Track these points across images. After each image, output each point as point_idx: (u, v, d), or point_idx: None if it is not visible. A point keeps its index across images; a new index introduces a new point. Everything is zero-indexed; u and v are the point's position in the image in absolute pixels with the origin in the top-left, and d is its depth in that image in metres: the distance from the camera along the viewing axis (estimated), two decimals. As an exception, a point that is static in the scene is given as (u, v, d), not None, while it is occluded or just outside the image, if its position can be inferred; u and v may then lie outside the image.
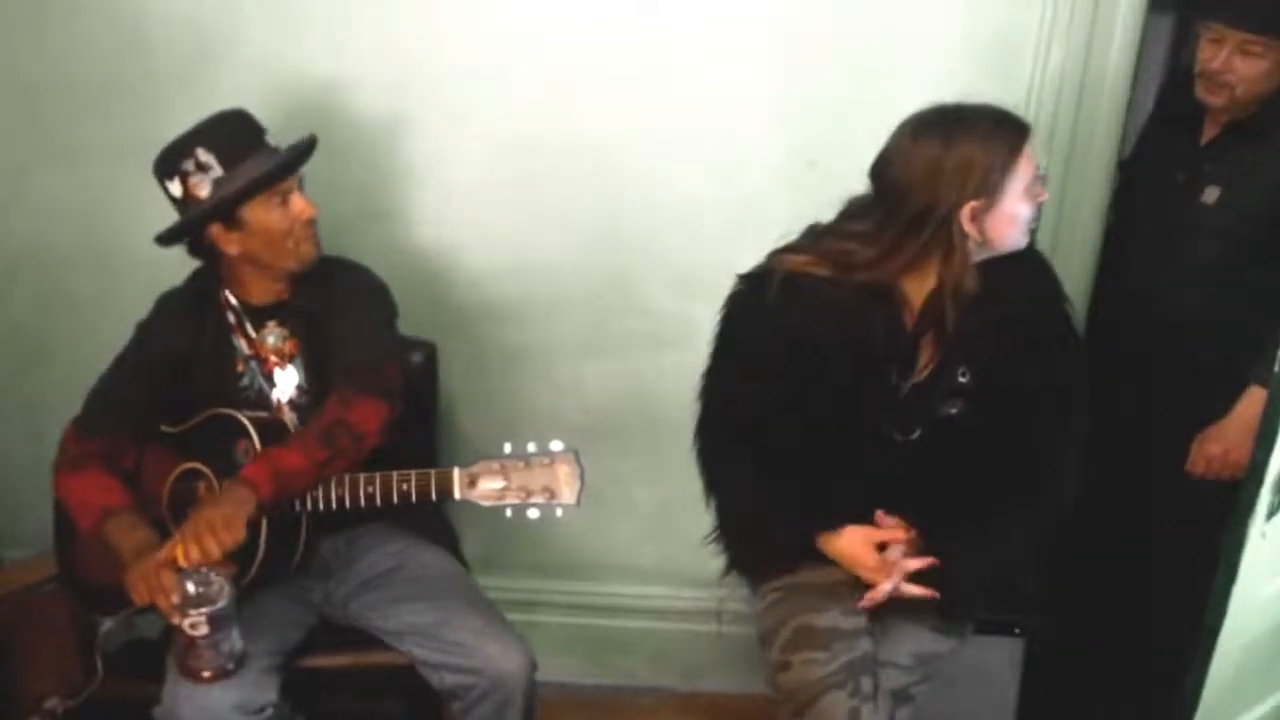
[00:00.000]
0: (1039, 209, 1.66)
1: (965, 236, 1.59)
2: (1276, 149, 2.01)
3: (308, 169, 1.85)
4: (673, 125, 2.15)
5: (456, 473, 1.76)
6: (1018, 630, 2.18)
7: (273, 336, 1.90)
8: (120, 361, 1.91)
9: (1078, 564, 2.24)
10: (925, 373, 1.71)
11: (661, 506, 2.41)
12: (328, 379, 1.86)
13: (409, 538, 1.97)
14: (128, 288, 2.05)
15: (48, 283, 2.36)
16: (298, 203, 1.81)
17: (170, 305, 1.93)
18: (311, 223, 1.84)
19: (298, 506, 1.78)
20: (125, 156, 2.08)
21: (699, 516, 1.86)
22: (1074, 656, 2.37)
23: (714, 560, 1.89)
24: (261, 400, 1.88)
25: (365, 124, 2.17)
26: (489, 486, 1.76)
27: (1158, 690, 1.87)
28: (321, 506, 1.78)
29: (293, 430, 1.85)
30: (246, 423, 1.81)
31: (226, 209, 1.77)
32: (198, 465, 1.85)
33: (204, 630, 1.61)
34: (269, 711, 1.73)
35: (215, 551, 1.63)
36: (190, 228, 1.81)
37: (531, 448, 1.78)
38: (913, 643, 1.76)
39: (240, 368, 1.89)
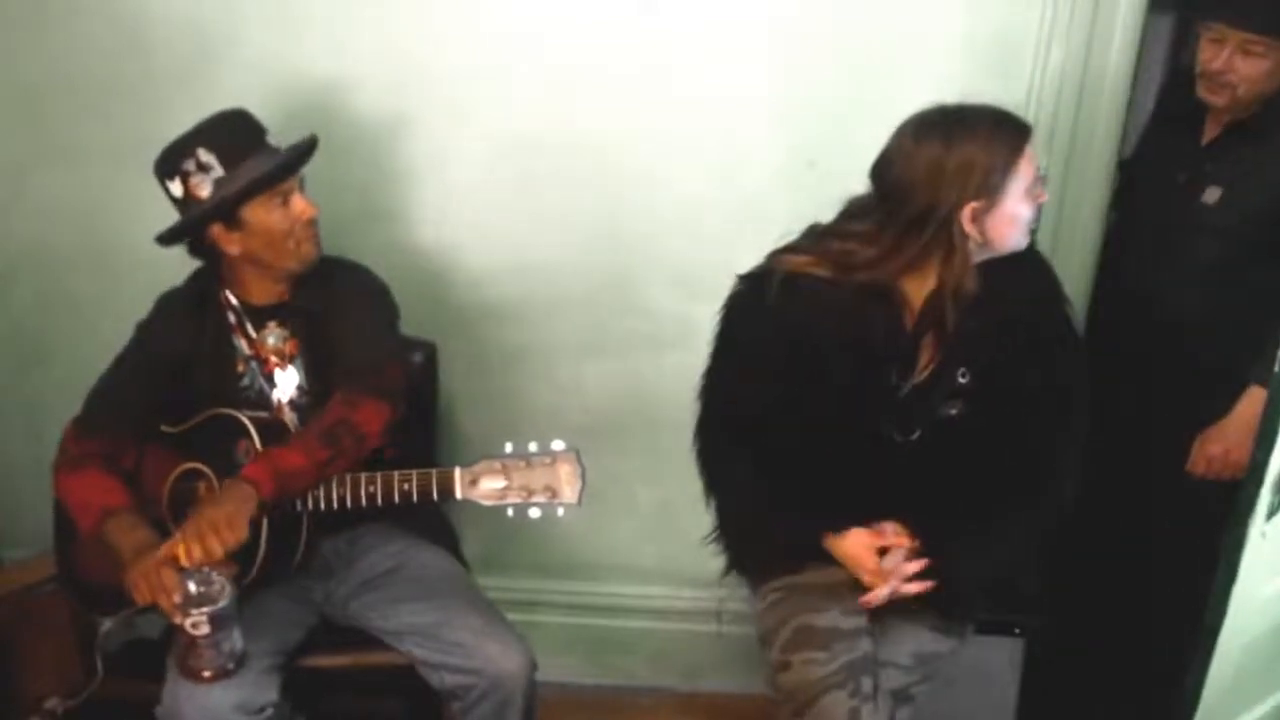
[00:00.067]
0: (1039, 210, 1.66)
1: (966, 237, 1.59)
2: (1277, 149, 2.01)
3: (308, 169, 1.85)
4: (673, 125, 2.15)
5: (458, 472, 1.76)
6: (1018, 630, 2.18)
7: (273, 337, 1.90)
8: (120, 361, 1.91)
9: (1078, 564, 2.24)
10: (925, 373, 1.71)
11: (661, 506, 2.41)
12: (328, 380, 1.86)
13: (409, 538, 1.97)
14: (128, 288, 2.05)
15: (48, 283, 2.36)
16: (299, 203, 1.81)
17: (170, 305, 1.93)
18: (312, 223, 1.84)
19: (299, 506, 1.78)
20: (125, 156, 2.08)
21: (699, 516, 1.86)
22: (1074, 656, 2.37)
23: (714, 560, 1.89)
24: (262, 401, 1.88)
25: (365, 124, 2.17)
26: (491, 486, 1.76)
27: (1158, 690, 1.87)
28: (323, 506, 1.78)
29: (293, 431, 1.85)
30: (247, 422, 1.81)
31: (228, 209, 1.77)
32: (198, 465, 1.85)
33: (205, 630, 1.61)
34: (269, 711, 1.73)
35: (217, 550, 1.62)
36: (191, 228, 1.81)
37: (533, 447, 1.78)
38: (913, 643, 1.76)
39: (240, 368, 1.89)
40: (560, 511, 1.76)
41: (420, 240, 2.26)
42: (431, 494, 1.76)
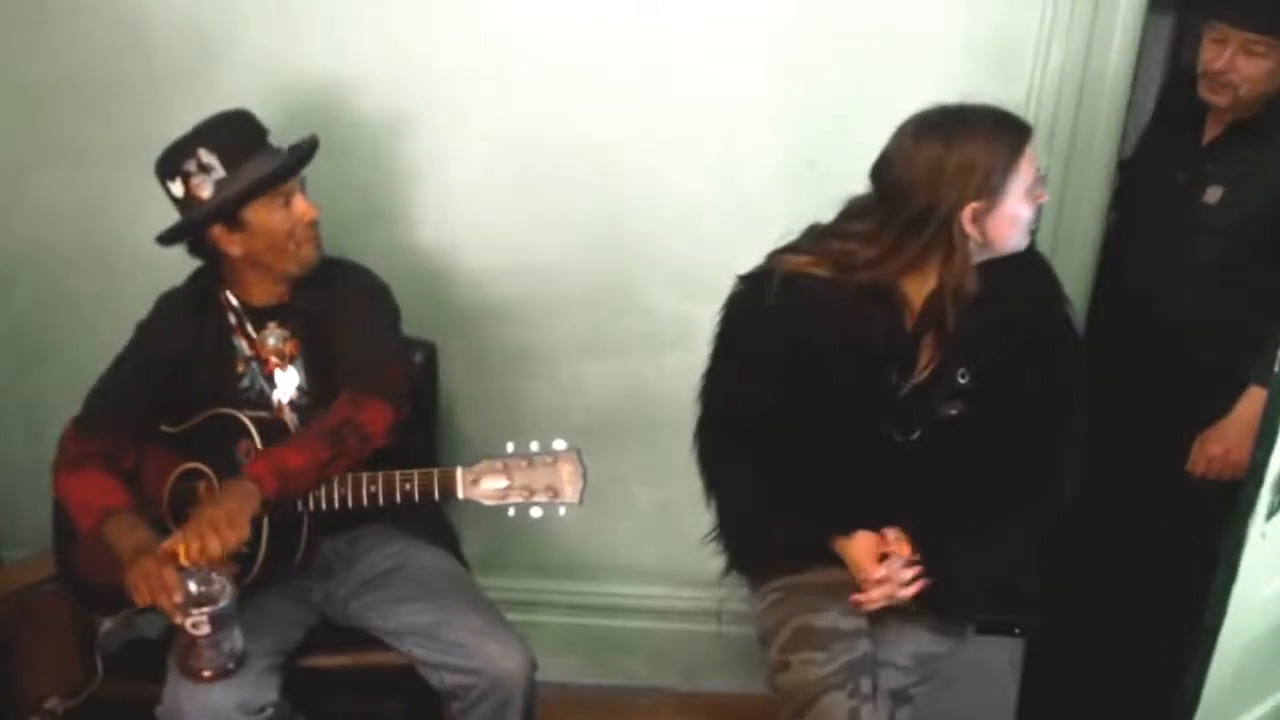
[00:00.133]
0: (1039, 210, 1.66)
1: (966, 237, 1.59)
2: (1279, 149, 2.01)
3: (308, 169, 1.85)
4: (673, 125, 2.15)
5: (459, 472, 1.76)
6: (1018, 630, 2.18)
7: (273, 337, 1.90)
8: (120, 361, 1.91)
9: (1078, 564, 2.23)
10: (925, 373, 1.71)
11: (661, 506, 2.41)
12: (329, 380, 1.86)
13: (409, 538, 1.97)
14: (128, 288, 2.05)
15: (48, 283, 2.36)
16: (300, 204, 1.81)
17: (170, 305, 1.93)
18: (313, 225, 1.84)
19: (299, 506, 1.78)
20: (125, 156, 2.08)
21: (699, 516, 1.86)
22: (1074, 656, 2.37)
23: (714, 560, 1.89)
24: (262, 401, 1.88)
25: (366, 124, 2.17)
26: (492, 486, 1.76)
27: (1158, 690, 1.87)
28: (324, 506, 1.78)
29: (294, 431, 1.85)
30: (248, 422, 1.81)
31: (229, 210, 1.77)
32: (198, 465, 1.85)
33: (206, 630, 1.61)
34: (269, 711, 1.73)
35: (218, 549, 1.62)
36: (192, 228, 1.81)
37: (534, 447, 1.78)
38: (912, 643, 1.76)
39: (241, 368, 1.89)
40: (562, 511, 1.76)
41: (421, 240, 2.26)
42: (433, 494, 1.76)
